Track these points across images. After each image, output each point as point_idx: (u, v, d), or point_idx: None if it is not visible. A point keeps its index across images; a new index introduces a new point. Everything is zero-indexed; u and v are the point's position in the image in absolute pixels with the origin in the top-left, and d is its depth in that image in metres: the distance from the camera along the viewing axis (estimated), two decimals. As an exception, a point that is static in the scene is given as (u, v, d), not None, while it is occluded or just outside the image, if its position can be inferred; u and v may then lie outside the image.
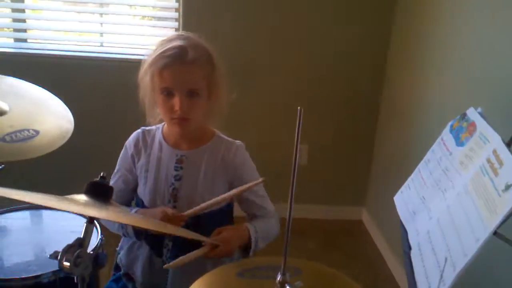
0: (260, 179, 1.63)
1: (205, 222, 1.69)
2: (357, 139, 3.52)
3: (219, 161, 1.72)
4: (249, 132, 3.32)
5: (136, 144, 1.77)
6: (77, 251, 0.96)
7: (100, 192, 1.05)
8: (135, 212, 1.70)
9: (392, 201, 1.65)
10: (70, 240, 1.13)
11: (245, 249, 1.66)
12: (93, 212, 0.99)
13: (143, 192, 1.75)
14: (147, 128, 1.79)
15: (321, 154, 3.51)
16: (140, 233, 1.71)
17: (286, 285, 1.15)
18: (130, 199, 1.81)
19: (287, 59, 3.33)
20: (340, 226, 3.49)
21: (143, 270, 1.74)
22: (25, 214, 1.95)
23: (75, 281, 1.01)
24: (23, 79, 2.06)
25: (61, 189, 2.54)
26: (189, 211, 1.63)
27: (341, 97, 3.42)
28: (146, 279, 1.73)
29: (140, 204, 1.76)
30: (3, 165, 1.94)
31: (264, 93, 3.36)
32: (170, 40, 1.63)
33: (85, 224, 1.01)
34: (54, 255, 0.96)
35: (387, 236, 3.17)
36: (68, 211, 0.93)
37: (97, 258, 1.81)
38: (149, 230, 1.63)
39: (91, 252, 1.69)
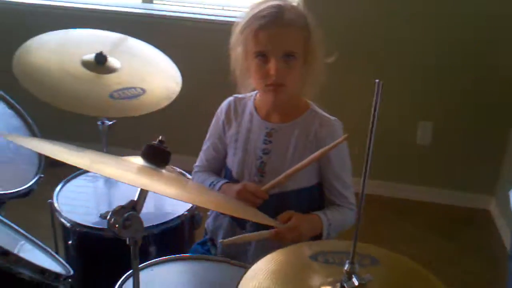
0: (344, 136, 1.51)
1: (292, 200, 1.63)
2: (491, 119, 3.17)
3: (311, 137, 1.62)
4: (359, 107, 3.17)
5: (227, 112, 1.72)
6: (127, 214, 0.93)
7: (156, 157, 1.01)
8: (220, 186, 1.67)
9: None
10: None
11: (315, 238, 1.58)
12: (141, 180, 0.95)
13: (232, 163, 1.71)
14: (240, 96, 1.73)
15: (447, 133, 3.23)
16: None
17: (353, 275, 1.03)
18: (221, 167, 1.78)
19: (413, 28, 3.07)
20: (463, 214, 3.21)
21: (224, 238, 1.71)
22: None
23: (127, 242, 0.99)
24: (143, 40, 2.11)
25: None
26: (268, 184, 1.58)
27: (474, 71, 3.08)
28: (227, 248, 1.70)
29: (229, 175, 1.73)
30: (114, 120, 2.00)
31: (382, 65, 3.13)
32: (264, 1, 1.54)
33: (140, 188, 0.97)
34: (104, 215, 0.94)
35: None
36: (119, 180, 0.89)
37: (193, 219, 1.85)
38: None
39: (186, 213, 1.74)
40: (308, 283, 1.10)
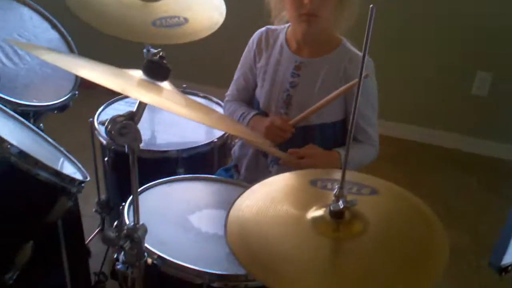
0: (365, 74, 1.47)
1: (317, 134, 1.66)
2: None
3: (340, 74, 1.61)
4: (414, 51, 3.09)
5: (258, 43, 1.74)
6: (123, 121, 0.99)
7: (155, 72, 1.06)
8: (249, 120, 1.72)
9: None
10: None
11: None
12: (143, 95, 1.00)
13: (260, 94, 1.74)
14: (272, 27, 1.74)
15: (507, 85, 3.07)
16: None
17: (340, 199, 1.06)
18: (251, 97, 1.82)
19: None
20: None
21: (248, 166, 1.78)
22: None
23: (126, 151, 1.06)
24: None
25: (201, 77, 2.59)
26: (295, 119, 1.60)
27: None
28: (249, 175, 1.77)
29: (257, 106, 1.77)
30: (159, 49, 2.06)
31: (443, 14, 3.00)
32: None
33: (139, 101, 1.03)
34: (103, 122, 1.00)
35: None
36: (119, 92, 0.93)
37: (224, 147, 1.92)
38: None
39: (216, 140, 1.80)
40: (300, 204, 1.14)
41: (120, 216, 1.36)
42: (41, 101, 1.62)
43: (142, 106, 1.03)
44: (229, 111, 1.81)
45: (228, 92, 1.85)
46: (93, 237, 2.24)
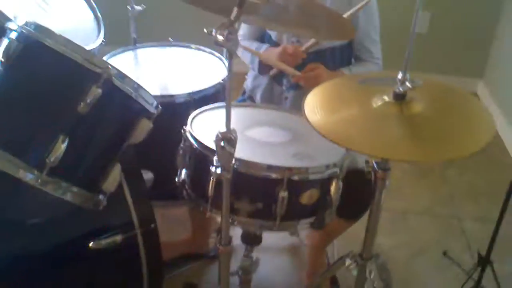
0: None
1: (327, 57, 1.80)
2: (483, 6, 3.38)
3: (345, 3, 1.72)
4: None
5: None
6: (230, 27, 1.11)
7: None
8: (265, 49, 1.83)
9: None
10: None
11: None
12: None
13: None
14: None
15: (443, 22, 3.41)
16: (264, 70, 1.87)
17: (405, 81, 1.24)
18: (262, 34, 1.92)
19: None
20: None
21: (263, 95, 1.93)
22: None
23: (225, 57, 1.17)
24: None
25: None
26: (306, 45, 1.74)
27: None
28: (265, 103, 1.91)
29: (268, 39, 1.89)
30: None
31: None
32: None
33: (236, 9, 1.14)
34: (210, 31, 1.12)
35: (505, 110, 3.12)
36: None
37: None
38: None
39: (222, 81, 1.91)
40: (362, 96, 1.31)
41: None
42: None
43: (239, 14, 1.15)
44: (241, 49, 1.92)
45: (240, 32, 1.96)
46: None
